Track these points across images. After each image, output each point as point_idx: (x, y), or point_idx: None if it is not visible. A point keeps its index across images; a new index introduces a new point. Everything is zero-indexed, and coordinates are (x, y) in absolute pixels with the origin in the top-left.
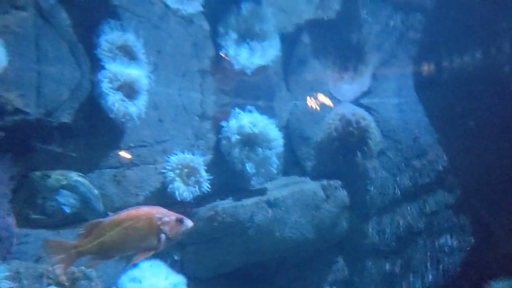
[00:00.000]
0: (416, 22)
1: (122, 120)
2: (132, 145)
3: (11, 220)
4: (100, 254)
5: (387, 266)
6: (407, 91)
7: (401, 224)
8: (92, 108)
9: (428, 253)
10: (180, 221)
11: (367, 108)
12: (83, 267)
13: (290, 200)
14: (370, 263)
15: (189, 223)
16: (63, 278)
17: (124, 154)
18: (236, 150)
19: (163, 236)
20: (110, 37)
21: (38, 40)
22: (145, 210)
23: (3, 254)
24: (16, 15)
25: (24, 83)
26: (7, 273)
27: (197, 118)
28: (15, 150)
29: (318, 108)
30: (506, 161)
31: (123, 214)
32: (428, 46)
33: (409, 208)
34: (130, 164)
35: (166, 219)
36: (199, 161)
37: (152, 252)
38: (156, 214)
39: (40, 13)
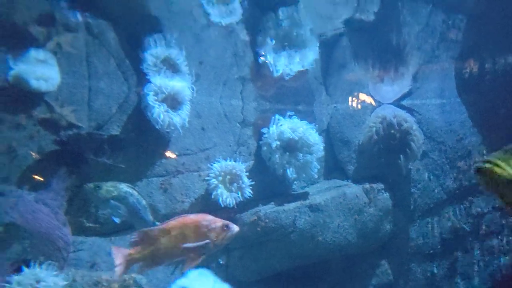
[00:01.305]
0: (457, 22)
1: (167, 130)
2: (177, 153)
3: (68, 230)
4: (152, 261)
5: (433, 269)
6: (449, 92)
7: (446, 226)
8: (139, 120)
9: (475, 256)
10: (226, 227)
11: (409, 110)
12: (134, 275)
13: (332, 204)
14: (415, 266)
15: (235, 228)
16: (115, 286)
17: (169, 162)
18: (277, 155)
19: (210, 242)
20: (155, 51)
21: (88, 57)
22: (192, 218)
23: (61, 263)
24: (68, 35)
25: (76, 98)
26: (65, 282)
27: (238, 125)
28: (69, 163)
29: (359, 111)
30: None
31: (172, 222)
32: (470, 46)
33: (454, 210)
34: (176, 172)
35: (213, 225)
36: (241, 167)
37: (200, 259)
38: (203, 221)
39: (91, 32)
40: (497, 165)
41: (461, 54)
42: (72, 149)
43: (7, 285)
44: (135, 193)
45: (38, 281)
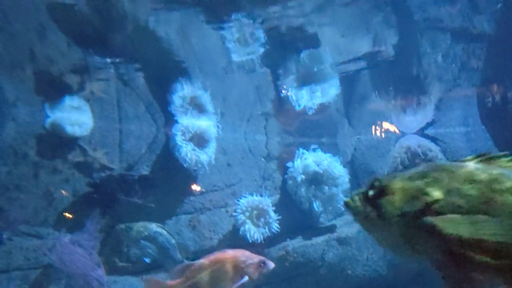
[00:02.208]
0: (477, 50)
1: (195, 168)
2: (204, 190)
3: (102, 271)
4: None
5: None
6: (473, 120)
7: None
8: (167, 159)
9: None
10: (263, 263)
11: (433, 139)
12: None
13: (361, 236)
14: None
15: (271, 265)
16: None
17: (197, 199)
18: (303, 189)
19: (246, 278)
20: (181, 93)
21: (119, 102)
22: (230, 253)
23: None
24: (100, 82)
25: (108, 141)
26: None
27: (263, 159)
28: (102, 204)
29: (383, 142)
30: None
31: (211, 257)
32: (491, 73)
33: None
34: (203, 209)
35: (250, 261)
36: (267, 202)
37: None
38: (241, 257)
39: (121, 78)
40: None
41: (483, 81)
42: (104, 191)
43: None
44: (165, 232)
45: None
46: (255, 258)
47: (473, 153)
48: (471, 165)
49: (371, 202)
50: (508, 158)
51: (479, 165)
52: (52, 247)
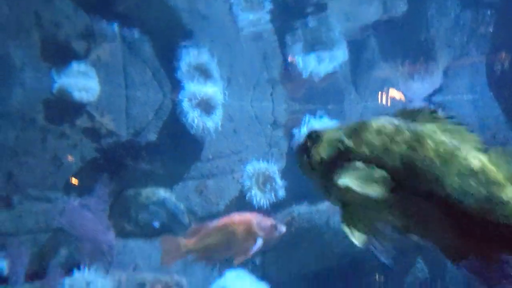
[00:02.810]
0: (487, 17)
1: (201, 134)
2: (211, 157)
3: (112, 235)
4: (205, 254)
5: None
6: (481, 88)
7: None
8: (174, 126)
9: None
10: (275, 226)
11: (440, 106)
12: (175, 275)
13: None
14: (451, 265)
15: (283, 228)
16: (158, 286)
17: (204, 166)
18: None
19: (259, 239)
20: (188, 59)
21: (125, 68)
22: (244, 216)
23: (106, 266)
24: (106, 47)
25: (114, 107)
26: (112, 284)
27: (269, 127)
28: (110, 170)
29: (389, 109)
30: None
31: (225, 219)
32: (500, 41)
33: None
34: (210, 175)
35: (263, 224)
36: (273, 169)
37: (250, 254)
38: (253, 220)
39: (127, 44)
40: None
41: (492, 49)
42: (112, 156)
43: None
44: (173, 198)
45: (87, 284)
46: (267, 221)
47: (480, 121)
48: (387, 118)
49: (306, 151)
50: (430, 112)
51: (395, 119)
52: (61, 211)
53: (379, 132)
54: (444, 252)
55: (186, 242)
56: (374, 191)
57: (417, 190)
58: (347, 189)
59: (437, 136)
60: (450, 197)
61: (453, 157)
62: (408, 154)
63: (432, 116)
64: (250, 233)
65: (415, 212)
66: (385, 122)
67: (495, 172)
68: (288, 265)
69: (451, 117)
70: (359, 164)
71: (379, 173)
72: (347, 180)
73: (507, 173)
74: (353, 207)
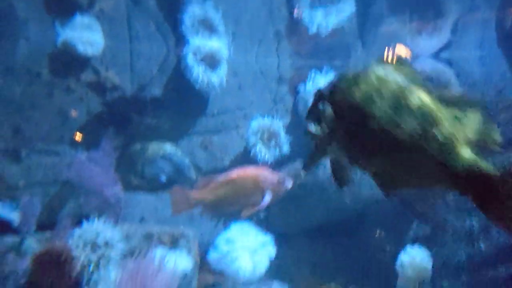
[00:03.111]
0: None
1: (206, 90)
2: (216, 112)
3: (119, 188)
4: (214, 206)
5: (471, 222)
6: (489, 44)
7: None
8: (179, 81)
9: None
10: (282, 180)
11: (448, 62)
12: (181, 228)
13: None
14: (453, 218)
15: (289, 183)
16: (165, 238)
17: (209, 121)
18: None
19: (268, 194)
20: (192, 13)
21: (129, 21)
22: (252, 170)
23: (115, 218)
24: (110, 0)
25: (119, 61)
26: (121, 236)
27: (274, 82)
28: (116, 124)
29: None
30: None
31: (233, 173)
32: None
33: (493, 160)
34: (215, 131)
35: (270, 178)
36: (278, 124)
37: (257, 208)
38: (261, 174)
39: None
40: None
41: (502, 4)
42: (117, 110)
43: (70, 238)
44: (179, 152)
45: (97, 235)
46: (275, 176)
47: (486, 77)
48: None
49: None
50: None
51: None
52: (69, 164)
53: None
54: (380, 185)
55: (195, 193)
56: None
57: (356, 124)
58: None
59: (380, 72)
60: (385, 130)
61: (392, 92)
62: (349, 90)
63: (399, 63)
64: (258, 187)
65: (356, 145)
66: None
67: (434, 110)
68: (292, 219)
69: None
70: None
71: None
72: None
73: (446, 112)
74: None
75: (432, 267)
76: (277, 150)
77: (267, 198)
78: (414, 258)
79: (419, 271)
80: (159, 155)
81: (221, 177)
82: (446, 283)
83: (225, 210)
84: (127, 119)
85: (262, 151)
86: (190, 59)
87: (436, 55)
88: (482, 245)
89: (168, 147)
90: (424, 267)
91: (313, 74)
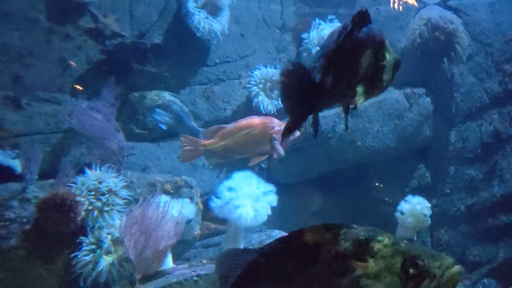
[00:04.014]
0: None
1: (208, 37)
2: (217, 61)
3: (121, 136)
4: (222, 154)
5: (471, 172)
6: None
7: (488, 130)
8: (180, 28)
9: None
10: None
11: (455, 10)
12: (184, 176)
13: (372, 110)
14: (453, 169)
15: (297, 132)
16: (168, 186)
17: (211, 70)
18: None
19: (276, 142)
20: None
21: None
22: (260, 119)
23: (117, 167)
24: None
25: (118, 7)
26: (124, 183)
27: (277, 30)
28: (117, 72)
29: (402, 13)
30: None
31: (242, 122)
32: None
33: (497, 114)
34: (217, 80)
35: (278, 128)
36: None
37: (265, 156)
38: (269, 123)
39: None
40: None
41: None
42: (118, 58)
43: (73, 185)
44: (178, 101)
45: (100, 182)
46: (283, 125)
47: (496, 26)
48: None
49: None
50: None
51: None
52: (71, 112)
53: None
54: None
55: (205, 142)
56: None
57: None
58: None
59: None
60: None
61: None
62: None
63: None
64: (266, 136)
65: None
66: None
67: None
68: (293, 169)
69: None
70: None
71: None
72: None
73: None
74: None
75: (431, 216)
76: (280, 100)
77: (278, 147)
78: (414, 207)
79: (417, 220)
80: (158, 104)
81: (230, 126)
82: (444, 232)
83: (234, 158)
84: (127, 67)
85: (265, 102)
86: (191, 6)
87: (443, 3)
88: (482, 195)
89: (167, 96)
90: (423, 216)
91: (317, 22)
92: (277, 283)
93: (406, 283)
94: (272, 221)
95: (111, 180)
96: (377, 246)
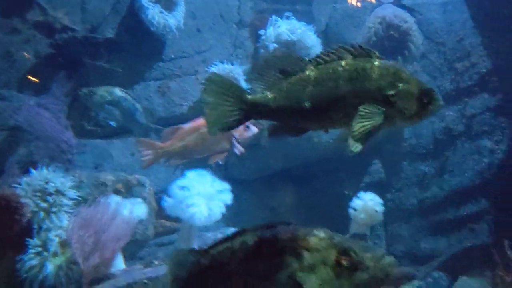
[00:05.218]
0: None
1: (163, 32)
2: (173, 56)
3: (70, 134)
4: (181, 155)
5: (424, 168)
6: None
7: (440, 127)
8: (133, 22)
9: (465, 155)
10: (247, 127)
11: (409, 9)
12: (137, 175)
13: None
14: (406, 165)
15: (255, 129)
16: (120, 186)
17: (166, 66)
18: None
19: (234, 140)
20: None
21: None
22: None
23: (66, 165)
24: None
25: (68, 0)
26: (72, 183)
27: (234, 26)
28: (67, 67)
29: (358, 11)
30: None
31: (199, 121)
32: None
33: (449, 111)
34: (173, 76)
35: None
36: (238, 71)
37: (225, 154)
38: None
39: None
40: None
41: None
42: (68, 53)
43: (18, 186)
44: (129, 97)
45: (46, 182)
46: None
47: (448, 25)
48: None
49: None
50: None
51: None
52: (18, 109)
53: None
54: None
55: (162, 144)
56: None
57: None
58: None
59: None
60: None
61: None
62: None
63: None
64: (225, 134)
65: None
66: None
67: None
68: (251, 165)
69: None
70: None
71: None
72: None
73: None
74: None
75: (384, 211)
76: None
77: (237, 145)
78: (366, 203)
79: (370, 216)
80: (107, 100)
81: (187, 126)
82: (398, 226)
83: (193, 158)
84: (78, 62)
85: None
86: (145, 0)
87: (398, 2)
88: (434, 190)
89: (118, 92)
90: (375, 212)
91: (274, 19)
92: (220, 283)
93: (339, 275)
94: (230, 218)
95: (59, 180)
96: (312, 241)
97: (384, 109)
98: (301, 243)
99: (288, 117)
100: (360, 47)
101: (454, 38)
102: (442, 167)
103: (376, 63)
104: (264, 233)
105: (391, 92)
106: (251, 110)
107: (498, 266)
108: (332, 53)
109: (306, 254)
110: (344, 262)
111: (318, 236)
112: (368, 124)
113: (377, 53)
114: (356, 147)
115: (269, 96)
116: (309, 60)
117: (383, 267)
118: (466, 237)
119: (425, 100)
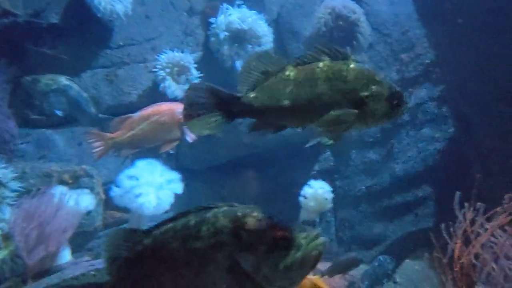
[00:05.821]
0: None
1: (110, 18)
2: (121, 43)
3: (13, 123)
4: (132, 145)
5: (371, 155)
6: None
7: None
8: (79, 7)
9: (410, 143)
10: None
11: (358, 1)
12: (84, 166)
13: None
14: (354, 153)
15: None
16: (66, 176)
17: (114, 53)
18: (225, 47)
19: (185, 128)
20: None
21: None
22: (167, 106)
23: (9, 156)
24: None
25: None
26: (15, 174)
27: (185, 13)
28: (9, 54)
29: (309, 1)
30: (489, 59)
31: (149, 110)
32: None
33: None
34: (121, 63)
35: None
36: (189, 59)
37: (176, 142)
38: (177, 109)
39: None
40: None
41: None
42: (9, 39)
43: None
44: (75, 85)
45: None
46: None
47: (394, 17)
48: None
49: None
50: None
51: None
52: None
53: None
54: None
55: (111, 134)
56: None
57: None
58: None
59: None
60: None
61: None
62: None
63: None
64: (175, 122)
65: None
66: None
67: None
68: (202, 154)
69: None
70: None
71: None
72: None
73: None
74: None
75: (333, 198)
76: (187, 85)
77: (188, 132)
78: (316, 191)
79: (319, 203)
80: (52, 89)
81: (137, 115)
82: (347, 212)
83: (144, 148)
84: (20, 48)
85: (172, 87)
86: None
87: None
88: (381, 176)
89: (63, 80)
90: (324, 199)
91: (225, 7)
92: (161, 262)
93: (275, 253)
94: (180, 207)
95: (0, 171)
96: (251, 221)
97: (356, 110)
98: (240, 223)
99: (269, 115)
100: (336, 49)
101: (399, 30)
102: (389, 154)
103: (352, 65)
104: (206, 214)
105: (366, 94)
106: (235, 109)
107: (436, 249)
108: (311, 55)
109: (245, 235)
110: (280, 242)
111: (257, 217)
112: (342, 125)
113: (352, 56)
114: (328, 141)
115: (251, 96)
116: (289, 61)
117: (315, 246)
118: (410, 221)
119: (394, 102)
